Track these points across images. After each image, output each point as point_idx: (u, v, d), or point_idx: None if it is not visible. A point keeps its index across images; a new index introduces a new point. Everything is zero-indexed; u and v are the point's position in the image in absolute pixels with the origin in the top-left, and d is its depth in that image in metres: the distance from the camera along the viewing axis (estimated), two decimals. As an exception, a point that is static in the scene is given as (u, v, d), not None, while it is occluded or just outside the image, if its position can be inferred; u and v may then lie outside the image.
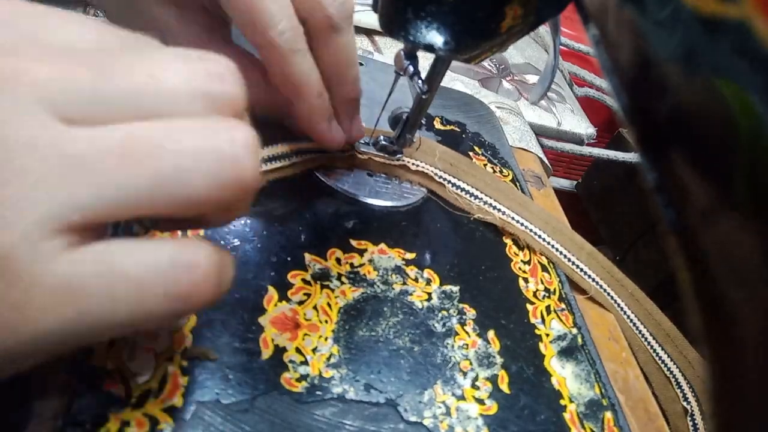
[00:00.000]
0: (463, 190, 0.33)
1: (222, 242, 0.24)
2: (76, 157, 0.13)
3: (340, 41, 0.26)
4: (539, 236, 0.33)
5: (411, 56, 0.28)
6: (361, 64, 0.41)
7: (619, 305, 0.34)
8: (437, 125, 0.39)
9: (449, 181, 0.33)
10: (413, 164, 0.33)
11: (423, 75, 0.28)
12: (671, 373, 0.33)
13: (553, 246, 0.33)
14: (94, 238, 0.13)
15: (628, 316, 0.34)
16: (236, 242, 0.24)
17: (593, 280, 0.34)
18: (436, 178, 0.33)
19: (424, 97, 0.28)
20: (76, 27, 0.15)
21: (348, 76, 0.27)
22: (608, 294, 0.34)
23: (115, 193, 0.13)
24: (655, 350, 0.33)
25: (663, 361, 0.33)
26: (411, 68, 0.28)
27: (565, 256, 0.33)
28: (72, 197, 0.13)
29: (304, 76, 0.26)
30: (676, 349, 0.33)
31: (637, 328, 0.34)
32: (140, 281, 0.13)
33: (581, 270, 0.34)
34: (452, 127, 0.40)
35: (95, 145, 0.13)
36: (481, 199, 0.33)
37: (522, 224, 0.33)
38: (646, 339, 0.34)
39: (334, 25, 0.25)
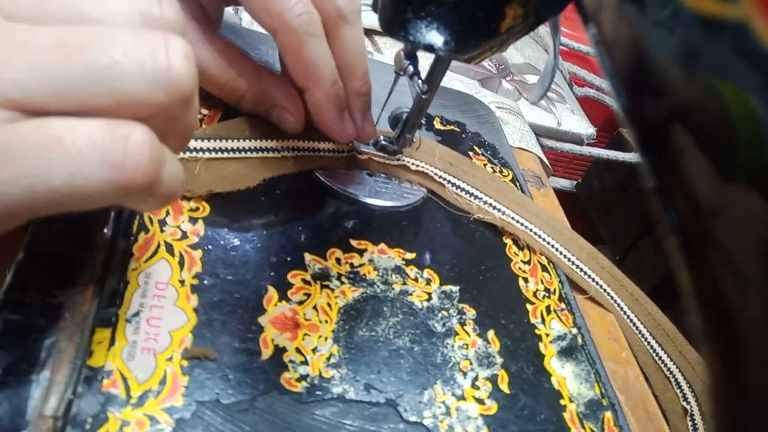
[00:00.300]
0: (463, 190, 0.33)
1: (222, 242, 0.24)
2: (16, 42, 0.14)
3: (351, 33, 0.26)
4: (539, 236, 0.33)
5: (411, 56, 0.28)
6: None
7: (619, 305, 0.34)
8: (437, 125, 0.39)
9: (449, 181, 0.33)
10: (413, 164, 0.33)
11: (423, 75, 0.28)
12: (671, 373, 0.33)
13: (553, 246, 0.33)
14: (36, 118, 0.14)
15: (628, 316, 0.34)
16: (236, 242, 0.24)
17: (593, 280, 0.34)
18: (436, 178, 0.33)
19: (424, 97, 0.28)
20: None
21: (359, 70, 0.28)
22: (608, 294, 0.34)
23: (52, 76, 0.14)
24: (655, 350, 0.33)
25: (663, 362, 0.33)
26: (411, 68, 0.28)
27: (565, 256, 0.33)
28: (11, 74, 0.14)
29: (319, 61, 0.26)
30: (676, 349, 0.33)
31: (637, 328, 0.34)
32: (75, 146, 0.14)
33: (581, 270, 0.34)
34: (452, 127, 0.40)
35: (35, 34, 0.14)
36: (481, 199, 0.33)
37: (522, 224, 0.33)
38: (646, 339, 0.34)
39: (345, 17, 0.26)
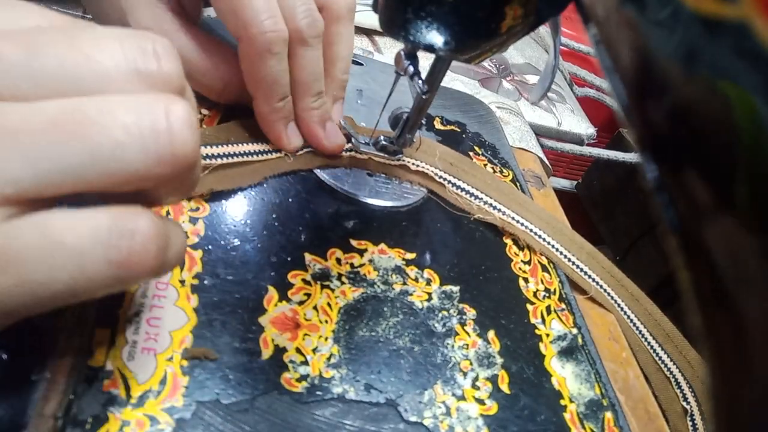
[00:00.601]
0: (463, 190, 0.33)
1: (222, 242, 0.24)
2: (8, 130, 0.13)
3: (311, 55, 0.27)
4: (539, 236, 0.33)
5: (411, 56, 0.28)
6: (360, 64, 0.41)
7: (619, 305, 0.34)
8: (437, 125, 0.39)
9: (449, 181, 0.33)
10: (413, 164, 0.33)
11: (423, 75, 0.28)
12: (671, 373, 0.33)
13: (553, 246, 0.33)
14: (34, 211, 0.14)
15: (629, 317, 0.34)
16: (236, 242, 0.24)
17: (593, 280, 0.34)
18: (436, 178, 0.33)
19: (424, 97, 0.28)
20: (12, 10, 0.15)
21: (312, 89, 0.28)
22: (608, 294, 0.34)
23: (49, 167, 0.13)
24: (654, 350, 0.33)
25: (663, 362, 0.33)
26: (411, 68, 0.28)
27: (565, 256, 0.33)
28: (5, 171, 0.13)
29: (274, 79, 0.26)
30: (676, 350, 0.33)
31: (637, 328, 0.34)
32: (78, 248, 0.14)
33: (581, 270, 0.34)
34: (452, 127, 0.40)
35: (28, 119, 0.13)
36: (482, 199, 0.33)
37: (522, 224, 0.33)
38: (646, 339, 0.34)
39: (305, 40, 0.26)
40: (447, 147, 0.35)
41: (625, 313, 0.34)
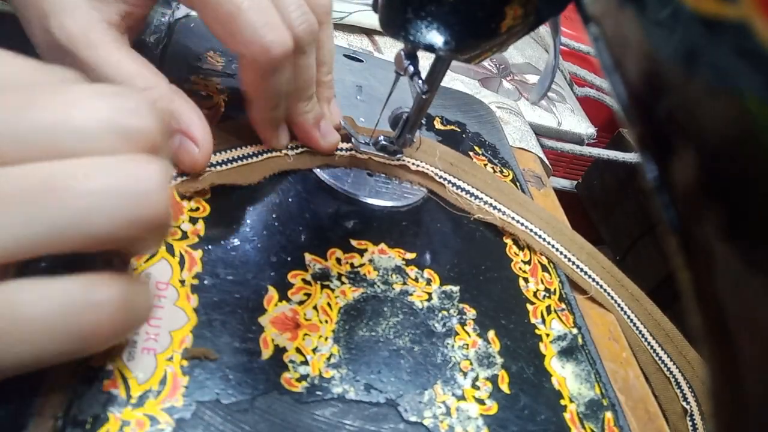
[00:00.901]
0: (463, 190, 0.33)
1: (222, 242, 0.24)
2: None
3: (307, 62, 0.26)
4: (540, 236, 0.33)
5: (411, 56, 0.28)
6: (360, 60, 0.41)
7: (619, 305, 0.34)
8: (437, 125, 0.39)
9: (449, 181, 0.33)
10: (413, 164, 0.33)
11: (423, 75, 0.28)
12: (671, 373, 0.33)
13: (553, 246, 0.33)
14: (3, 281, 0.14)
15: (629, 317, 0.34)
16: (236, 242, 0.24)
17: (593, 280, 0.34)
18: (437, 178, 0.33)
19: (424, 97, 0.28)
20: None
21: (305, 94, 0.28)
22: (609, 294, 0.34)
23: (21, 233, 0.13)
24: (655, 350, 0.33)
25: (663, 362, 0.33)
26: (411, 68, 0.28)
27: (565, 257, 0.33)
28: None
29: (277, 91, 0.26)
30: (675, 350, 0.33)
31: (637, 328, 0.34)
32: (46, 323, 0.14)
33: (581, 270, 0.34)
34: (452, 127, 0.40)
35: (3, 184, 0.13)
36: (482, 199, 0.33)
37: (522, 224, 0.33)
38: (646, 339, 0.34)
39: (303, 48, 0.25)
40: (447, 147, 0.35)
41: (626, 313, 0.34)
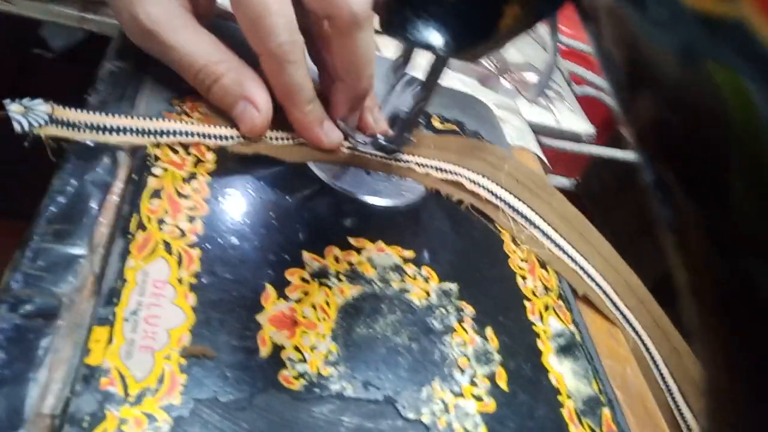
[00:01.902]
0: (466, 178, 0.33)
1: (220, 241, 0.24)
2: None
3: (363, 37, 0.28)
4: (551, 238, 0.33)
5: (406, 62, 0.29)
6: None
7: (655, 363, 0.32)
8: (436, 124, 0.39)
9: (448, 171, 0.33)
10: (412, 163, 0.33)
11: (420, 76, 0.28)
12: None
13: (558, 244, 0.33)
14: None
15: (662, 375, 0.32)
16: (234, 241, 0.24)
17: (635, 330, 0.32)
18: (438, 174, 0.33)
19: (421, 104, 0.29)
20: None
21: (364, 72, 0.29)
22: (647, 348, 0.32)
23: None
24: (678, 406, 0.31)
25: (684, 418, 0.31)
26: (407, 75, 0.29)
27: (606, 295, 0.32)
28: None
29: (296, 85, 0.27)
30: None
31: (671, 393, 0.32)
32: None
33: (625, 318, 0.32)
34: (451, 125, 0.40)
35: None
36: (487, 188, 0.33)
37: (521, 213, 0.33)
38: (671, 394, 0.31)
39: (359, 23, 0.27)
40: (445, 136, 0.35)
41: (661, 374, 0.32)
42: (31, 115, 0.21)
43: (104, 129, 0.24)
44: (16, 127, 0.21)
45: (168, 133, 0.26)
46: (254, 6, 0.25)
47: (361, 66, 0.29)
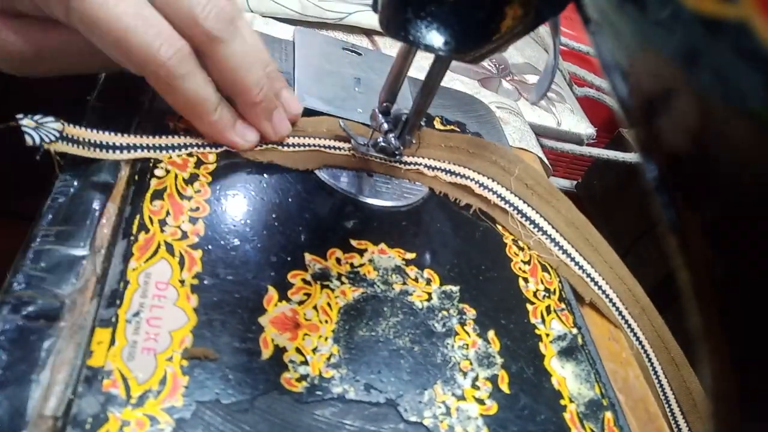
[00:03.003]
0: (466, 178, 0.33)
1: (222, 242, 0.24)
2: None
3: (227, 51, 0.25)
4: (556, 241, 0.33)
5: (386, 113, 0.30)
6: (359, 54, 0.41)
7: (654, 368, 0.32)
8: (437, 125, 0.39)
9: (449, 171, 0.33)
10: (413, 164, 0.33)
11: (396, 132, 0.30)
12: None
13: (560, 246, 0.33)
14: None
15: (660, 381, 0.32)
16: (236, 242, 0.24)
17: (636, 336, 0.32)
18: (441, 174, 0.33)
19: (396, 156, 0.31)
20: None
21: (245, 84, 0.26)
22: (647, 354, 0.32)
23: None
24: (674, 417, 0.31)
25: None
26: (385, 125, 0.30)
27: (609, 299, 0.32)
28: None
29: (194, 99, 0.25)
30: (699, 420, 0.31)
31: (666, 399, 0.32)
32: None
33: (625, 321, 0.32)
34: (452, 126, 0.40)
35: None
36: (491, 189, 0.33)
37: (523, 214, 0.33)
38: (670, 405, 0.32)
39: (216, 38, 0.24)
40: (445, 133, 0.35)
41: (659, 380, 0.32)
42: (43, 130, 0.21)
43: (113, 147, 0.24)
44: (28, 140, 0.21)
45: (177, 147, 0.26)
46: (109, 27, 0.22)
47: (241, 79, 0.26)
